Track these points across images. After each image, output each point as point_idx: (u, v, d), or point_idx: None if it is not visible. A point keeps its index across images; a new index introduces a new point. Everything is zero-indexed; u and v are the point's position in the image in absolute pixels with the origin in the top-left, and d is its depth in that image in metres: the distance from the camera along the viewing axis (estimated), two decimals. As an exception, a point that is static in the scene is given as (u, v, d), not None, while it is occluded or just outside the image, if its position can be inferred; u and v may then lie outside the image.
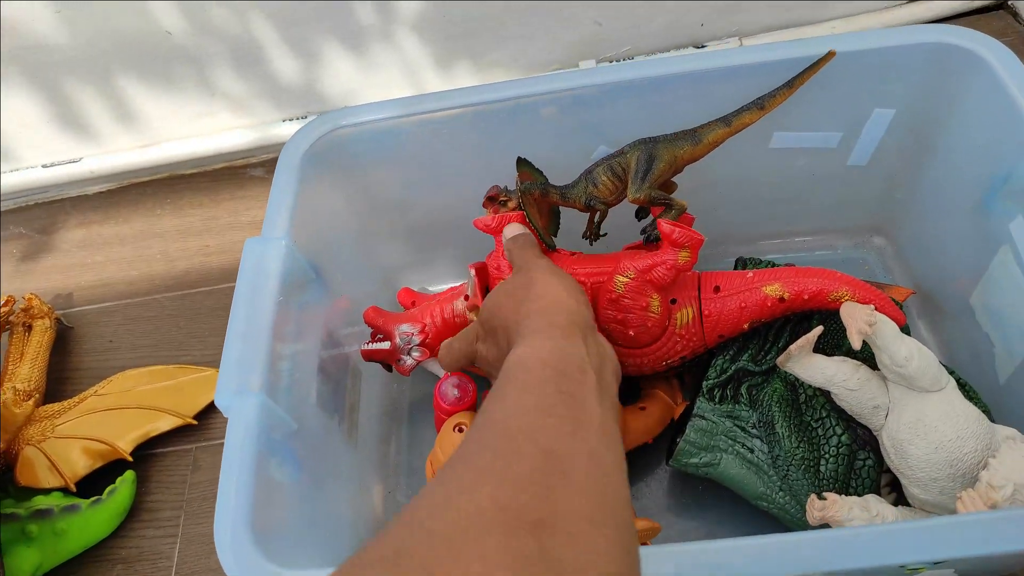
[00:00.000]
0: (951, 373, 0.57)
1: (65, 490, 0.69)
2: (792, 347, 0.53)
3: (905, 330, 0.58)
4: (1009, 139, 0.49)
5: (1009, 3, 0.91)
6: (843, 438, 0.55)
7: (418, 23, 0.84)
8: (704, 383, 0.60)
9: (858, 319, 0.49)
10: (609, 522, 0.28)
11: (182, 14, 0.80)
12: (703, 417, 0.59)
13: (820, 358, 0.54)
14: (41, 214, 0.98)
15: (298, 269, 0.55)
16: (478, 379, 0.62)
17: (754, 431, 0.59)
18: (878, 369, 0.53)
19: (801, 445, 0.56)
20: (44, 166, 0.94)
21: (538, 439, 0.30)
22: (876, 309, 0.50)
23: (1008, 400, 0.55)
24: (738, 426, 0.59)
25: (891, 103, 0.56)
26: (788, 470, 0.56)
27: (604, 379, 0.39)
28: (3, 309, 0.80)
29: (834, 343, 0.58)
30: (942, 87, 0.55)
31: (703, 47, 0.92)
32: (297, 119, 0.93)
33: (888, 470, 0.55)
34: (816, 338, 0.53)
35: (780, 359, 0.55)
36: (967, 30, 0.53)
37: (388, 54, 0.87)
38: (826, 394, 0.56)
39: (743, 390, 0.60)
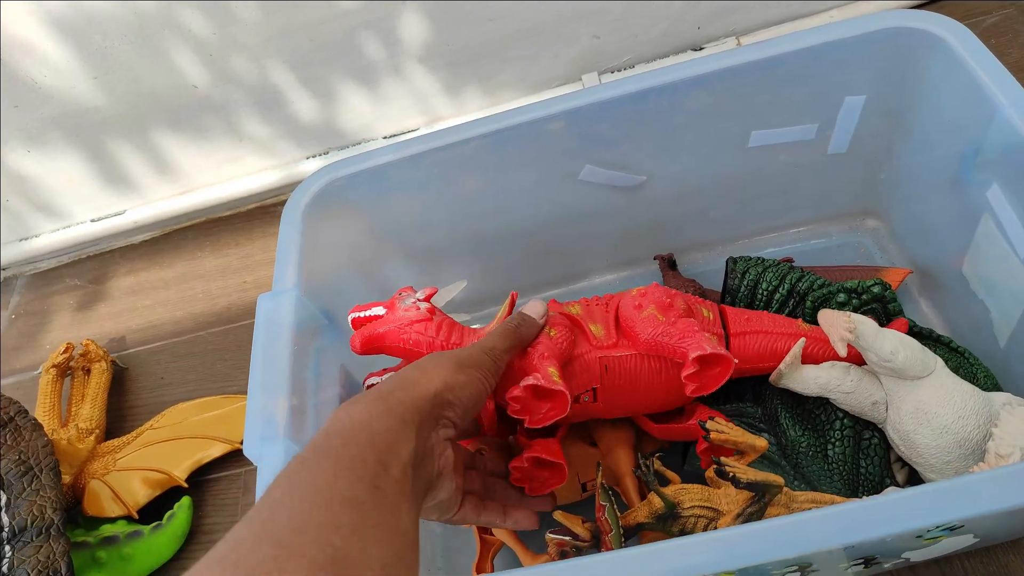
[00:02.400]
0: (948, 344, 0.59)
1: (128, 518, 0.74)
2: (781, 365, 0.55)
3: (898, 313, 0.60)
4: (974, 113, 0.51)
5: (1002, -23, 0.91)
6: (845, 420, 0.57)
7: (424, 55, 0.89)
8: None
9: (838, 326, 0.51)
10: None
11: (205, 68, 0.86)
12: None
13: (810, 368, 0.55)
14: (93, 265, 1.05)
15: (310, 318, 0.58)
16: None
17: (762, 426, 0.60)
18: (867, 367, 0.55)
19: (806, 433, 0.58)
20: (92, 220, 1.02)
21: (330, 543, 0.29)
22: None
23: (1011, 363, 0.57)
24: (745, 423, 0.60)
25: (861, 90, 0.58)
26: (798, 459, 0.58)
27: (422, 474, 0.39)
28: (63, 356, 0.87)
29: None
30: (907, 70, 0.57)
31: (701, 49, 0.94)
32: (319, 155, 0.98)
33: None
34: (801, 351, 0.55)
35: (772, 377, 0.56)
36: (925, 12, 0.55)
37: (398, 86, 0.91)
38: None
39: (746, 386, 0.62)
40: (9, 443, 0.64)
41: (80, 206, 1.00)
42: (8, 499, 0.62)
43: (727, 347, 0.56)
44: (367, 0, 0.83)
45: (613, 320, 0.55)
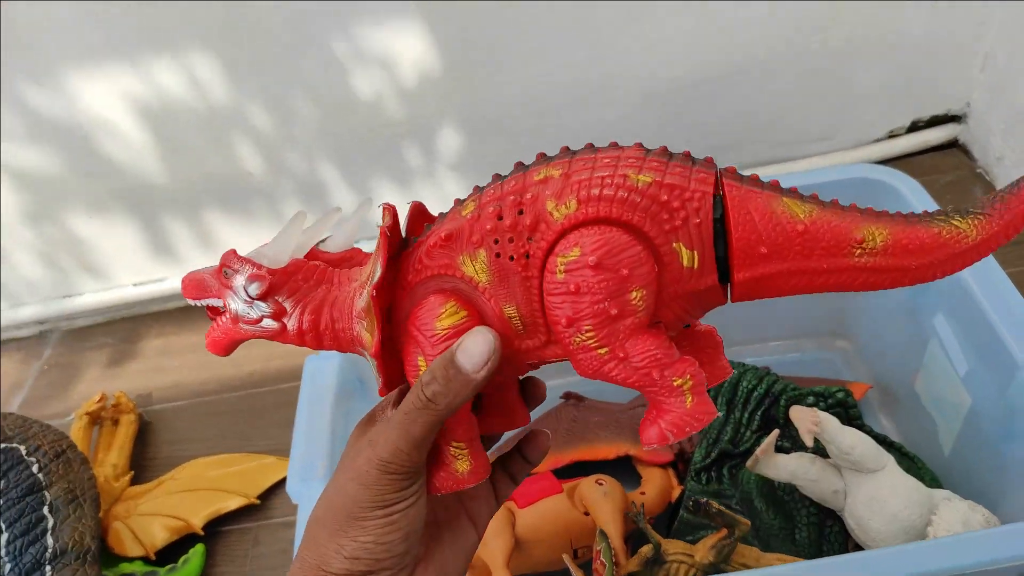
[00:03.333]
0: (899, 448, 0.68)
1: (146, 559, 0.80)
2: (757, 451, 0.63)
3: (859, 420, 0.69)
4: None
5: (960, 143, 1.06)
6: (811, 508, 0.66)
7: (456, 163, 1.01)
8: (691, 467, 0.71)
9: (806, 420, 0.60)
10: None
11: (262, 158, 0.98)
12: (692, 498, 0.69)
13: (782, 457, 0.64)
14: (126, 326, 1.13)
15: (348, 380, 0.67)
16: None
17: (737, 508, 0.68)
18: (830, 459, 0.64)
19: (778, 516, 0.67)
20: (134, 284, 1.10)
21: None
22: None
23: (953, 468, 0.66)
24: (724, 504, 0.68)
25: (833, 227, 0.69)
26: (769, 540, 0.66)
27: None
28: (97, 405, 0.94)
29: (794, 441, 0.69)
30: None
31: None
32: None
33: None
34: (775, 440, 0.64)
35: (749, 463, 0.64)
36: (885, 167, 0.67)
37: (431, 190, 1.03)
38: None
39: (725, 471, 0.70)
40: (61, 472, 0.71)
41: (124, 270, 1.09)
42: (55, 523, 0.68)
43: (729, 287, 0.35)
44: (413, 115, 0.96)
45: (538, 298, 0.34)
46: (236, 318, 0.37)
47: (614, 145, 0.35)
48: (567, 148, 0.35)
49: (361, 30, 0.88)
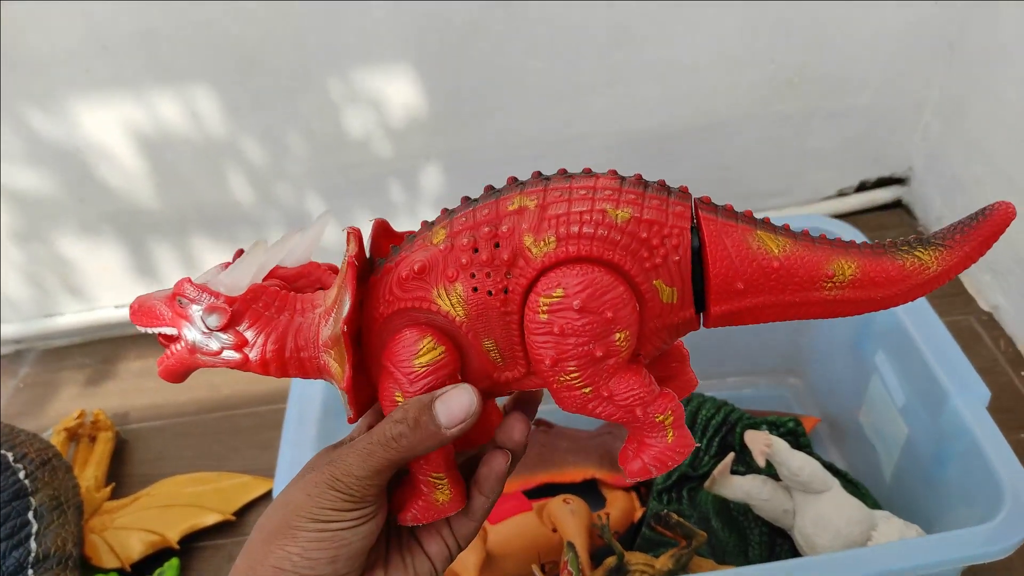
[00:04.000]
0: (845, 476, 0.73)
1: (121, 570, 0.81)
2: (715, 472, 0.69)
3: (808, 448, 0.75)
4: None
5: (903, 203, 1.15)
6: (763, 528, 0.71)
7: (437, 200, 1.06)
8: (653, 488, 0.76)
9: (759, 443, 0.66)
10: None
11: (253, 189, 1.02)
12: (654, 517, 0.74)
13: (737, 478, 0.69)
14: (105, 348, 1.15)
15: (335, 393, 0.71)
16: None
17: (697, 526, 0.73)
18: (781, 481, 0.69)
19: (732, 535, 0.72)
20: (116, 306, 1.13)
21: None
22: None
23: (894, 493, 0.71)
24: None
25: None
26: (724, 557, 0.71)
27: None
28: (76, 421, 0.96)
29: (748, 466, 0.74)
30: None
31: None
32: (331, 275, 1.13)
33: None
34: (731, 463, 0.69)
35: (707, 484, 0.70)
36: (836, 220, 0.74)
37: (413, 224, 1.06)
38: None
39: (684, 492, 0.75)
40: (46, 480, 0.73)
41: (107, 292, 1.12)
42: (39, 528, 0.69)
43: (704, 314, 0.35)
44: (400, 155, 1.01)
45: (517, 332, 0.34)
46: (193, 348, 0.36)
47: (587, 172, 0.35)
48: (539, 173, 0.35)
49: (356, 74, 0.94)
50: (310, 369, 0.36)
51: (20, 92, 0.91)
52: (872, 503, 0.72)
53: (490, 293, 0.33)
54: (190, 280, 0.36)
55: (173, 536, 0.84)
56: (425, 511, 0.37)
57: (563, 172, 0.35)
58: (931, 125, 1.06)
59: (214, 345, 0.36)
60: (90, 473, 0.91)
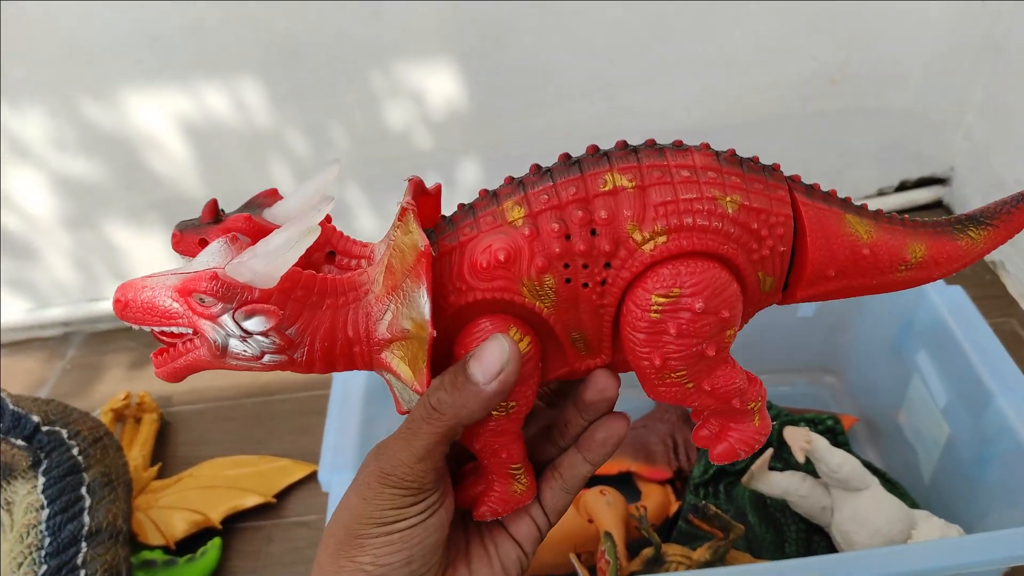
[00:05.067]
0: (883, 475, 0.73)
1: (166, 548, 0.84)
2: (753, 468, 0.69)
3: (847, 446, 0.75)
4: (909, 295, 0.69)
5: (944, 203, 1.14)
6: (800, 524, 0.71)
7: (474, 192, 1.07)
8: (690, 482, 0.76)
9: (799, 439, 0.66)
10: None
11: (295, 179, 1.04)
12: (690, 511, 0.74)
13: (775, 474, 0.69)
14: (148, 333, 1.17)
15: (376, 384, 0.72)
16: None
17: (734, 521, 0.74)
18: (819, 478, 0.69)
19: (769, 530, 0.72)
20: (159, 292, 1.15)
21: None
22: None
23: (932, 497, 0.71)
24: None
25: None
26: (760, 552, 0.71)
27: None
28: (122, 402, 0.98)
29: (786, 463, 0.74)
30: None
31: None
32: (369, 265, 1.15)
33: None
34: (769, 459, 0.69)
35: (744, 479, 0.70)
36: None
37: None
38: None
39: (721, 487, 0.76)
40: (98, 457, 0.75)
41: (152, 278, 1.14)
42: (91, 503, 0.72)
43: (784, 295, 0.35)
44: (438, 148, 1.03)
45: (609, 324, 0.32)
46: (220, 352, 0.30)
47: (678, 145, 0.32)
48: (624, 143, 0.31)
49: (398, 67, 0.96)
50: (360, 363, 0.32)
51: (75, 82, 0.93)
52: (911, 503, 0.71)
53: (585, 285, 0.31)
54: (215, 274, 0.29)
55: (216, 516, 0.86)
56: (503, 503, 0.34)
57: (651, 144, 0.32)
58: (974, 125, 1.05)
59: (252, 350, 0.30)
60: (136, 453, 0.93)
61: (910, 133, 1.08)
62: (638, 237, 0.30)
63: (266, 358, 0.31)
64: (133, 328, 0.31)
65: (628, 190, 0.30)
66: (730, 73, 1.00)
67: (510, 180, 0.32)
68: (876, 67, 1.01)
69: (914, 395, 0.72)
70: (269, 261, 0.29)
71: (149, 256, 1.12)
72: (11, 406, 0.74)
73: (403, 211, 0.31)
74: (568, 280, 0.31)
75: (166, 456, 0.98)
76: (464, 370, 0.31)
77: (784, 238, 0.32)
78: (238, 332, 0.30)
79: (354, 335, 0.31)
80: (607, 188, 0.30)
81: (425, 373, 0.30)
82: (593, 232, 0.30)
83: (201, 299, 0.29)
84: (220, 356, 0.31)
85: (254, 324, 0.29)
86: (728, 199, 0.30)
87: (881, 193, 1.14)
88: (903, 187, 1.14)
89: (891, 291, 0.35)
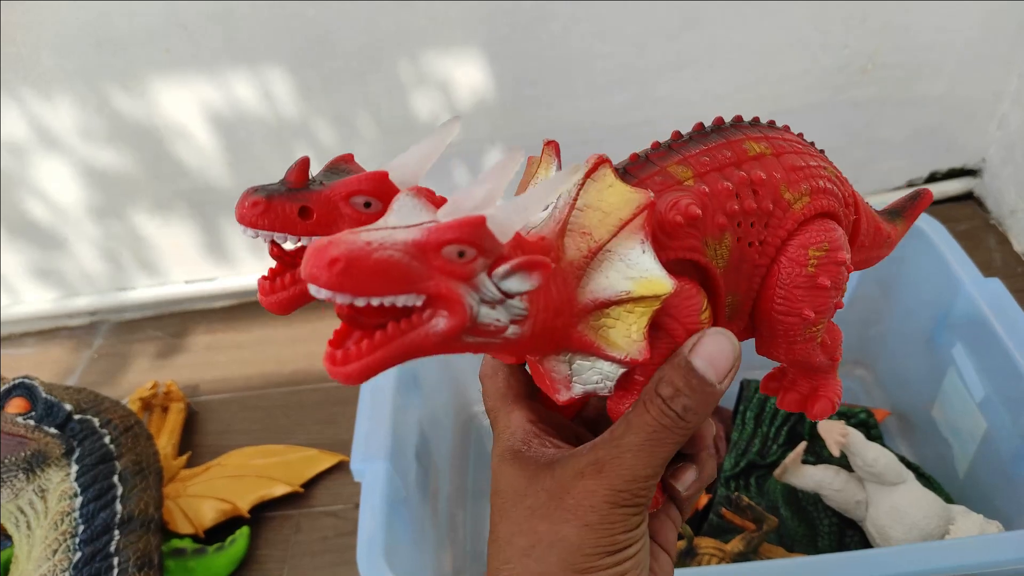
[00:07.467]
0: (918, 469, 0.73)
1: (195, 536, 0.84)
2: (786, 461, 0.69)
3: (880, 440, 0.74)
4: (944, 287, 0.68)
5: (975, 195, 1.12)
6: (833, 519, 0.70)
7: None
8: (721, 475, 0.76)
9: (834, 433, 0.65)
10: None
11: (318, 164, 1.04)
12: (722, 504, 0.74)
13: (809, 467, 0.69)
14: (175, 321, 1.18)
15: (406, 374, 0.73)
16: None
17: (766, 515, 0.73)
18: (853, 471, 0.68)
19: (801, 524, 0.71)
20: (186, 282, 1.16)
21: None
22: None
23: (967, 491, 0.70)
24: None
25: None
26: (792, 546, 0.70)
27: None
28: (150, 392, 0.99)
29: (818, 456, 0.74)
30: (896, 251, 0.74)
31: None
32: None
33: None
34: (803, 452, 0.69)
35: (777, 473, 0.70)
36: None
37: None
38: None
39: (752, 480, 0.75)
40: (129, 445, 0.76)
41: (178, 268, 1.15)
42: (124, 491, 0.72)
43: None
44: (466, 138, 1.02)
45: (757, 285, 0.32)
46: (470, 324, 0.24)
47: (773, 123, 0.35)
48: (721, 120, 0.33)
49: (426, 57, 0.95)
50: (551, 343, 0.27)
51: (103, 71, 0.94)
52: (945, 497, 0.71)
53: (750, 244, 0.30)
54: (483, 219, 0.23)
55: (244, 505, 0.87)
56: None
57: (740, 119, 0.34)
58: (1009, 115, 1.03)
59: (504, 318, 0.24)
60: (164, 442, 0.94)
61: (942, 123, 1.06)
62: (788, 197, 0.31)
63: (510, 330, 0.24)
64: (337, 301, 0.22)
65: (768, 156, 0.32)
66: (761, 61, 0.99)
67: (658, 144, 0.31)
68: (909, 55, 0.99)
69: (949, 388, 0.71)
70: (518, 208, 0.24)
71: (174, 245, 1.12)
72: (44, 394, 0.74)
73: (597, 164, 0.28)
74: (739, 239, 0.30)
75: (193, 445, 0.99)
76: (694, 373, 0.28)
77: (855, 207, 0.35)
78: (496, 295, 0.24)
79: (560, 304, 0.26)
80: (753, 153, 0.31)
81: (647, 339, 0.27)
82: (755, 192, 0.31)
83: (461, 252, 0.23)
84: (465, 331, 0.24)
85: (515, 283, 0.24)
86: (830, 169, 0.34)
87: (911, 184, 1.12)
88: (933, 178, 1.12)
89: (866, 268, 0.40)
